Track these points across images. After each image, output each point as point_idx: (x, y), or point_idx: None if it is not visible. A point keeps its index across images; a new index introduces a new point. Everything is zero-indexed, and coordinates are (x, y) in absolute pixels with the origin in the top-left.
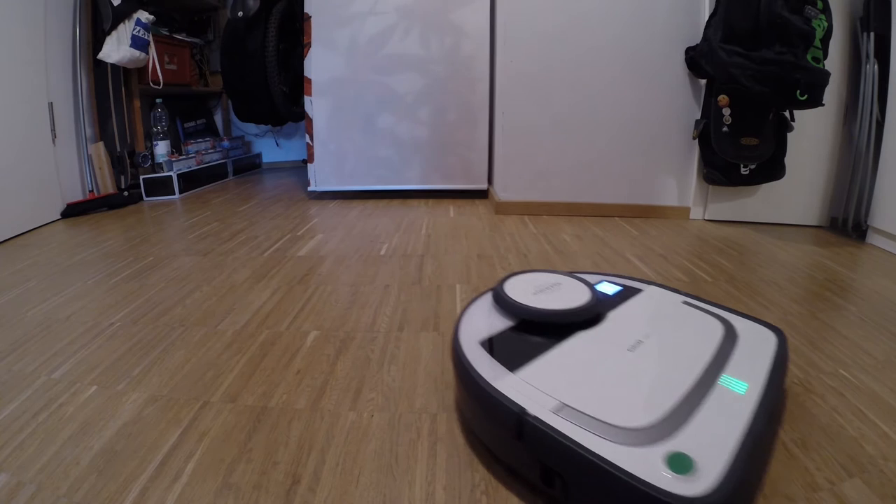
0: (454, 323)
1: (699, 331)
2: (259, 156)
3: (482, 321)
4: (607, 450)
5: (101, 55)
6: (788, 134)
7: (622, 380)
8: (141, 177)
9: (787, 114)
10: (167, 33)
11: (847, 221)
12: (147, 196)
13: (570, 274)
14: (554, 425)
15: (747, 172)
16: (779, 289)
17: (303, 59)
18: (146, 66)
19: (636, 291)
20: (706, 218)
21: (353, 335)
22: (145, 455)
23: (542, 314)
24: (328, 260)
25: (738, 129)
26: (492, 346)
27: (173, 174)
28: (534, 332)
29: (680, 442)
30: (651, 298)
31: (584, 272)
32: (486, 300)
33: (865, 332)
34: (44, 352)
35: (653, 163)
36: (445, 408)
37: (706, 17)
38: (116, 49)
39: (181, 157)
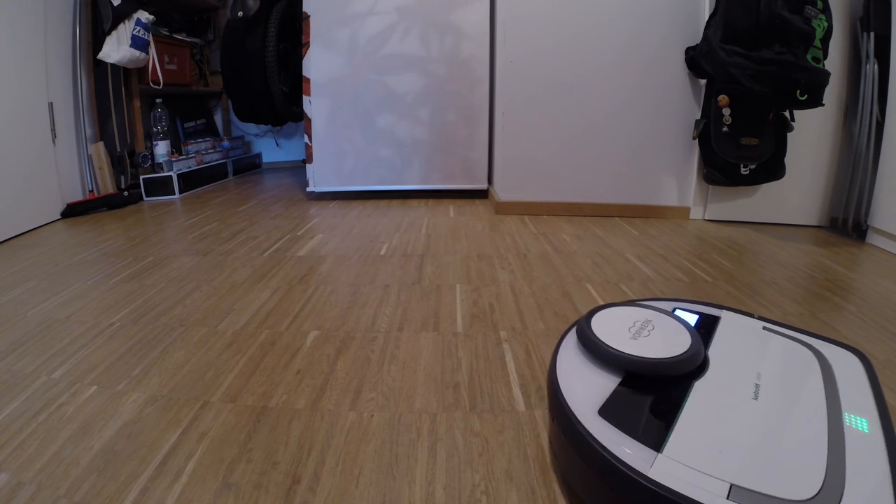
0: (549, 382)
1: (797, 363)
2: (259, 156)
3: (582, 379)
4: None
5: (101, 55)
6: (788, 134)
7: (768, 439)
8: (141, 177)
9: (787, 114)
10: (167, 33)
11: (847, 221)
12: (147, 196)
13: (645, 305)
14: None
15: (747, 172)
16: (779, 289)
17: (302, 59)
18: (146, 66)
19: (715, 319)
20: (706, 218)
21: (353, 335)
22: (145, 455)
23: (656, 365)
24: (328, 260)
25: (738, 129)
26: (614, 415)
27: (173, 174)
28: (648, 389)
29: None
30: (733, 327)
31: (654, 299)
32: (572, 346)
33: (865, 332)
34: (44, 352)
35: (653, 163)
36: (445, 408)
37: (706, 17)
38: (116, 49)
39: (181, 157)
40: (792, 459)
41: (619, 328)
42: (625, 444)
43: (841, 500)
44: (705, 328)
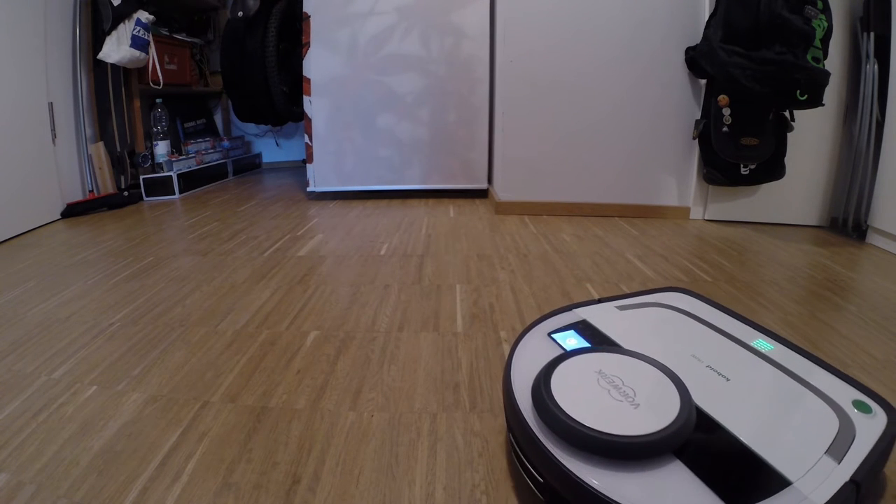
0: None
1: (680, 327)
2: (259, 156)
3: (650, 489)
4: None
5: (101, 55)
6: (788, 134)
7: (779, 403)
8: (141, 177)
9: (787, 114)
10: (167, 33)
11: (847, 221)
12: (147, 196)
13: (566, 355)
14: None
15: (747, 172)
16: (779, 289)
17: (302, 59)
18: (146, 66)
19: (586, 323)
20: (706, 218)
21: (353, 335)
22: (145, 455)
23: (688, 421)
24: (328, 260)
25: (738, 129)
26: (737, 493)
27: (173, 174)
28: (700, 446)
29: (848, 398)
30: (605, 321)
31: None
32: (569, 452)
33: (865, 332)
34: (44, 352)
35: (653, 163)
36: (445, 408)
37: (706, 17)
38: (116, 49)
39: (181, 157)
40: (802, 403)
41: (597, 401)
42: (779, 500)
43: (847, 400)
44: (593, 337)
